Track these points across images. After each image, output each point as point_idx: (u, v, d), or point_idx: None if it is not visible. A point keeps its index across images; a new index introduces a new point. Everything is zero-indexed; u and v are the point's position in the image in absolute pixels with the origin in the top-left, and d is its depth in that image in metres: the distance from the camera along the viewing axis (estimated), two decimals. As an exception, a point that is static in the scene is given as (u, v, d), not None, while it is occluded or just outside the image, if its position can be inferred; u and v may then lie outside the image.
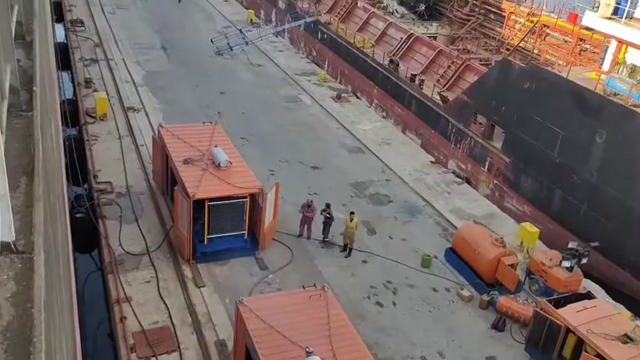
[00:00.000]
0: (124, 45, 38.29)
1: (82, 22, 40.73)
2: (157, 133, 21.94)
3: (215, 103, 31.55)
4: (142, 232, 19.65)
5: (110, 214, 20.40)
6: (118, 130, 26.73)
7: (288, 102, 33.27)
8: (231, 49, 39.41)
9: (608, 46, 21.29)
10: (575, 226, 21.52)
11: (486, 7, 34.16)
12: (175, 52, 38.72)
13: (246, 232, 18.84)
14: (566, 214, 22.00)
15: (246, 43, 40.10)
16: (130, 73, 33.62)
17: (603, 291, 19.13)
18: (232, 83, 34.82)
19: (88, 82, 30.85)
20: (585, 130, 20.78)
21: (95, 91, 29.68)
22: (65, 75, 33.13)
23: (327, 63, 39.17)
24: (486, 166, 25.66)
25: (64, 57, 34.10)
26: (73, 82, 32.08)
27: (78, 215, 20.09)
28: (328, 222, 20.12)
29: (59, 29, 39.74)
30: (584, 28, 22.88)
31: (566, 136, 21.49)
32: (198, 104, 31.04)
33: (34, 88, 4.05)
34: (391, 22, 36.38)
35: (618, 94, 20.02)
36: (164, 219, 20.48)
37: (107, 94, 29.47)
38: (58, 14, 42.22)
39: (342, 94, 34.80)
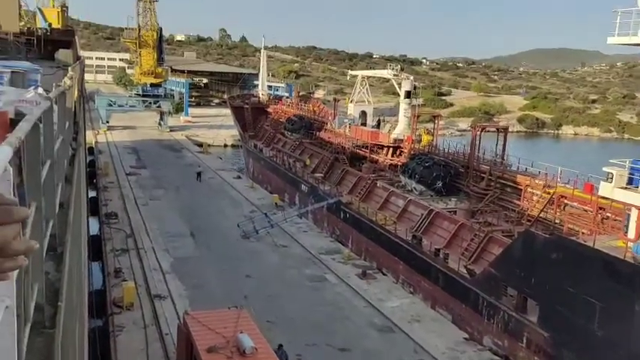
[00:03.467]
0: (154, 234, 39.74)
1: (116, 215, 42.89)
2: (182, 320, 21.66)
3: (241, 286, 31.55)
4: None
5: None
6: (143, 319, 26.55)
7: (313, 281, 33.16)
8: (257, 232, 40.53)
9: (629, 214, 21.40)
10: (632, 407, 19.60)
11: (502, 181, 35.33)
12: (203, 238, 39.89)
13: None
14: (620, 393, 20.20)
15: (272, 226, 41.34)
16: (158, 261, 34.38)
17: None
18: (258, 266, 35.17)
19: (118, 272, 31.52)
20: (623, 299, 19.98)
21: (124, 280, 30.16)
22: (96, 266, 33.99)
23: (350, 241, 39.74)
24: (524, 342, 24.33)
25: (96, 249, 35.31)
26: (103, 272, 32.78)
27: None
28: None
29: (94, 223, 41.75)
30: (601, 198, 23.25)
31: (604, 307, 20.61)
32: (224, 288, 31.06)
33: (60, 304, 4.12)
34: (411, 199, 37.57)
35: (650, 261, 19.60)
36: (186, 415, 19.28)
37: (135, 282, 29.88)
38: (94, 208, 44.65)
39: (368, 271, 34.69)
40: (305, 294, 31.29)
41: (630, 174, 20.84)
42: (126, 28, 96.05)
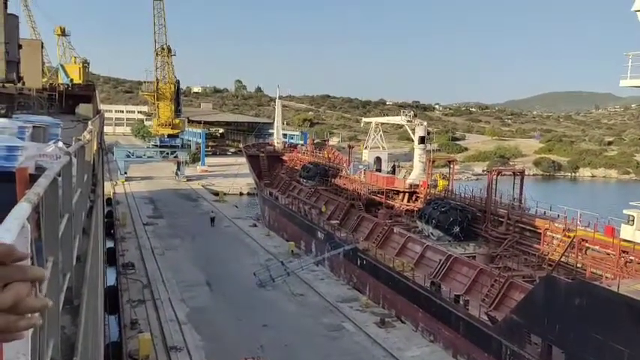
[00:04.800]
0: (170, 284, 39.60)
1: (132, 265, 42.93)
2: (198, 373, 21.29)
3: (258, 336, 31.08)
4: None
5: None
6: (159, 372, 26.13)
7: (331, 330, 32.56)
8: (274, 281, 40.19)
9: (653, 257, 20.89)
10: None
11: (520, 225, 34.87)
12: (219, 287, 39.64)
13: None
14: None
15: (288, 274, 41.00)
16: (174, 312, 34.11)
17: None
18: (275, 315, 34.70)
19: (134, 324, 31.28)
20: (652, 346, 19.26)
21: (140, 332, 29.90)
22: (112, 318, 33.78)
23: (368, 288, 39.16)
24: (551, 392, 23.40)
25: (112, 300, 35.16)
26: (119, 324, 32.53)
27: None
28: None
29: (110, 274, 41.75)
30: (623, 240, 22.77)
31: (632, 354, 19.86)
32: (240, 338, 30.63)
33: (75, 359, 4.09)
34: (428, 245, 37.14)
35: (678, 306, 18.97)
36: None
37: (151, 334, 29.58)
38: (111, 259, 44.74)
39: (386, 319, 34.03)
40: (322, 343, 30.68)
41: (652, 216, 20.48)
42: (144, 82, 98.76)
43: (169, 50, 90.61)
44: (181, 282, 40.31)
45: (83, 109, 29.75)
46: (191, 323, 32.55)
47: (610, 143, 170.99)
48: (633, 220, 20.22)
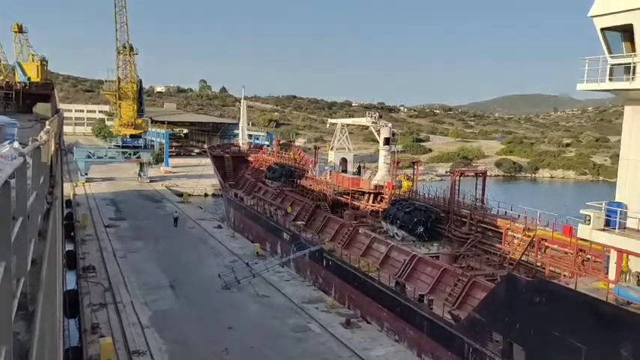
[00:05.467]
0: (132, 287, 38.85)
1: (93, 268, 41.94)
2: (161, 378, 20.95)
3: (222, 338, 30.79)
4: None
5: None
6: (121, 377, 25.60)
7: (297, 332, 32.50)
8: (239, 283, 39.88)
9: (609, 256, 21.55)
10: None
11: (483, 225, 35.53)
12: (183, 289, 39.11)
13: None
14: None
15: (253, 276, 40.75)
16: (137, 315, 33.47)
17: None
18: (240, 317, 34.44)
19: (95, 328, 30.55)
20: (607, 343, 19.86)
21: (101, 336, 29.23)
22: (72, 322, 32.94)
23: (333, 289, 39.27)
24: (512, 389, 23.89)
25: (72, 304, 34.28)
26: (79, 329, 31.74)
27: None
28: None
29: (70, 277, 40.69)
30: (581, 240, 23.42)
31: (590, 352, 20.45)
32: (205, 341, 30.27)
33: (28, 367, 3.96)
34: (393, 245, 37.48)
35: (632, 303, 19.61)
36: None
37: (113, 338, 28.95)
38: (71, 262, 43.62)
39: (352, 320, 34.16)
40: (288, 345, 30.60)
41: (607, 216, 21.10)
42: (106, 81, 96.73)
43: (131, 49, 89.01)
44: (144, 285, 39.59)
45: (41, 108, 28.96)
46: (154, 327, 31.99)
47: (568, 145, 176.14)
48: (589, 220, 20.82)
